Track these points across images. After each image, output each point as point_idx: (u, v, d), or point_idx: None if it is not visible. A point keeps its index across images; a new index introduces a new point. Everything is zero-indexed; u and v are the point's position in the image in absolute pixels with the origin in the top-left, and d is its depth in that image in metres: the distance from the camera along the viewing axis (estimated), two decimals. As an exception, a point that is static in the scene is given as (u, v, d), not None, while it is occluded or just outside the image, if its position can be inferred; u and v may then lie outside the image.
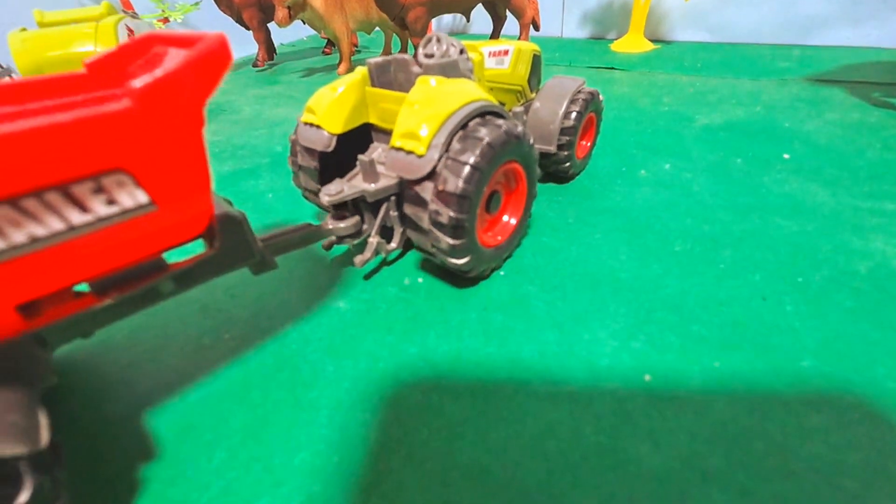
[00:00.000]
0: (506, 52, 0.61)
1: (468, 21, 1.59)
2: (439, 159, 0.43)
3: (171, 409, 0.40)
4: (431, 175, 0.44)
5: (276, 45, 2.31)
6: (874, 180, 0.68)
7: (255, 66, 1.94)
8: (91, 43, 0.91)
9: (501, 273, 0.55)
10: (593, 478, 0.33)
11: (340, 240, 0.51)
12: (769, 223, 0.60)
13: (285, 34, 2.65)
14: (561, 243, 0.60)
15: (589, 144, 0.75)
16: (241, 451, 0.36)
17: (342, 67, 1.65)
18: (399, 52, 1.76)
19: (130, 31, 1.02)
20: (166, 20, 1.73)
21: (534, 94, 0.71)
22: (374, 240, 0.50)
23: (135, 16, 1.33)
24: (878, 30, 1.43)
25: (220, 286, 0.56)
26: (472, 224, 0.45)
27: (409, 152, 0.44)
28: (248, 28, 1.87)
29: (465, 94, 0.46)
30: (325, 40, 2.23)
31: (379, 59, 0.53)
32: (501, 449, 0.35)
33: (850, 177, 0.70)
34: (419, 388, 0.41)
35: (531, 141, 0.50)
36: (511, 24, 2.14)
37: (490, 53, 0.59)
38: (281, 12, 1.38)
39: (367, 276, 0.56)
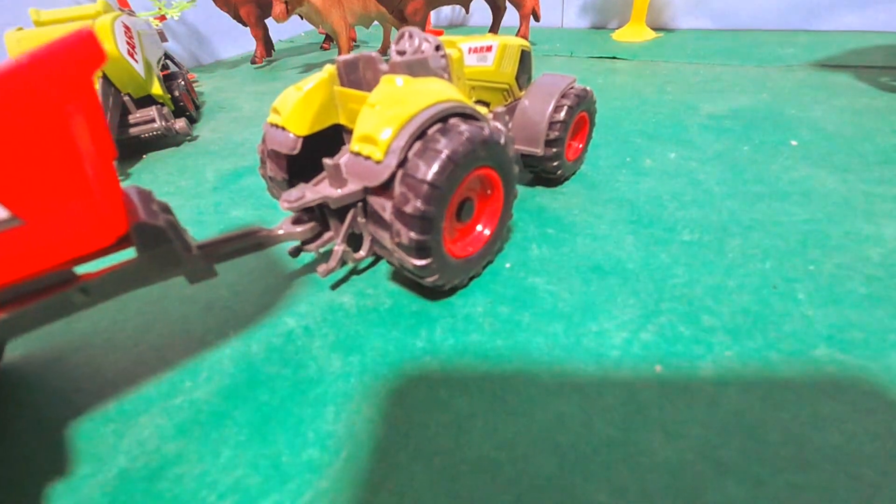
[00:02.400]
0: (489, 49, 0.57)
1: (467, 13, 1.57)
2: (398, 166, 0.40)
3: (177, 407, 0.40)
4: (390, 183, 0.41)
5: (273, 42, 2.29)
6: (884, 165, 0.67)
7: (253, 62, 1.93)
8: (88, 41, 0.90)
9: (507, 265, 0.54)
10: (605, 471, 0.32)
11: (304, 245, 0.49)
12: (778, 211, 0.59)
13: (283, 30, 2.63)
14: (567, 234, 0.59)
15: (581, 146, 0.71)
16: (249, 449, 0.36)
17: (341, 62, 1.64)
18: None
19: (128, 28, 1.01)
20: (163, 18, 1.72)
21: (523, 93, 0.67)
22: (339, 248, 0.47)
23: (132, 13, 1.32)
24: (884, 13, 1.40)
25: (223, 284, 0.56)
26: (437, 242, 0.43)
27: (367, 157, 0.41)
28: (245, 24, 1.86)
29: (431, 94, 0.42)
30: (324, 35, 2.22)
31: (348, 56, 0.51)
32: (511, 443, 0.35)
33: (859, 162, 0.69)
34: (426, 383, 0.40)
35: (504, 141, 0.46)
36: (511, 16, 2.12)
37: (471, 50, 0.55)
38: (278, 7, 1.37)
39: (366, 272, 0.55)
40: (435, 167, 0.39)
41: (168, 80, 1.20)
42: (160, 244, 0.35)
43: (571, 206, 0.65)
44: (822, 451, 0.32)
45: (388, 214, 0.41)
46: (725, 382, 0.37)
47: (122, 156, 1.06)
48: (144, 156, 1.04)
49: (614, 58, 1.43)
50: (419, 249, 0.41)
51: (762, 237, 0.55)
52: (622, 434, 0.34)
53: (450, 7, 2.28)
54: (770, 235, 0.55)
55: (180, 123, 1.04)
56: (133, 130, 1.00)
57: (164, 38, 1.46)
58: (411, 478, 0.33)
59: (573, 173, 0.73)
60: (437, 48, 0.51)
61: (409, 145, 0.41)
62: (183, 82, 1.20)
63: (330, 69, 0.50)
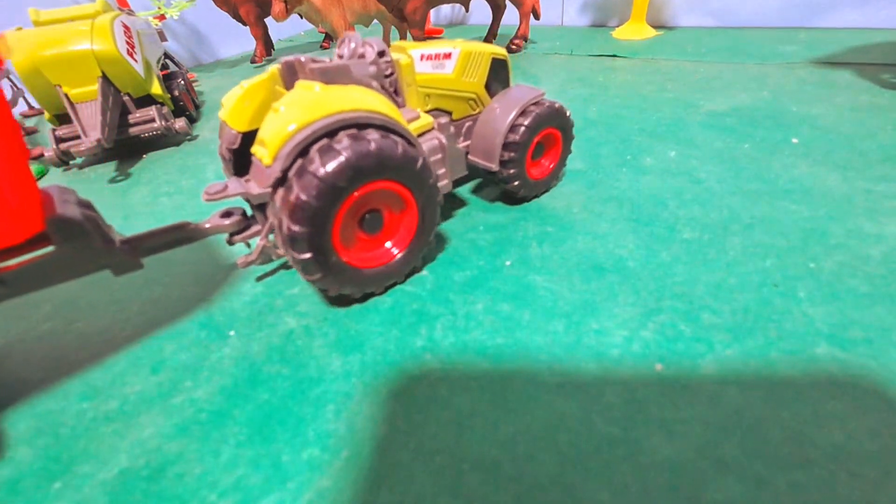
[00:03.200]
0: (447, 56, 0.55)
1: (467, 11, 1.57)
2: (284, 173, 0.40)
3: (177, 407, 0.40)
4: (281, 184, 0.41)
5: (273, 41, 2.29)
6: (886, 163, 0.67)
7: (253, 62, 1.93)
8: (87, 41, 0.90)
9: (507, 263, 0.54)
10: (606, 469, 0.32)
11: (231, 237, 0.49)
12: (779, 209, 0.59)
13: (283, 29, 2.63)
14: (567, 233, 0.59)
15: (552, 165, 0.66)
16: (249, 448, 0.36)
17: (341, 61, 1.64)
18: (398, 44, 1.74)
19: (127, 28, 1.01)
20: (163, 17, 1.72)
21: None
22: (262, 242, 0.48)
23: (131, 13, 1.32)
24: (886, 10, 1.40)
25: (222, 282, 0.56)
26: (323, 241, 0.42)
27: (260, 160, 0.41)
28: (244, 24, 1.86)
29: (337, 102, 0.41)
30: (323, 34, 2.21)
31: (290, 58, 0.49)
32: (512, 441, 0.34)
33: (861, 160, 0.69)
34: (426, 381, 0.40)
35: (420, 164, 0.45)
36: (511, 14, 2.12)
37: (424, 56, 0.53)
38: (278, 6, 1.37)
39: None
40: (330, 165, 0.39)
41: (168, 79, 1.20)
42: (77, 238, 0.36)
43: (572, 205, 0.65)
44: (823, 450, 0.32)
45: (276, 209, 0.41)
46: (726, 381, 0.37)
47: (121, 156, 1.06)
48: (144, 155, 1.04)
49: (614, 56, 1.43)
50: (294, 240, 0.41)
51: (763, 235, 0.54)
52: (623, 432, 0.34)
53: (449, 6, 2.27)
54: (771, 233, 0.55)
55: (180, 123, 1.04)
56: (133, 130, 1.00)
57: (163, 38, 1.46)
58: (412, 476, 0.33)
59: (543, 192, 0.67)
60: (382, 54, 0.50)
61: (296, 154, 0.40)
62: (182, 82, 1.20)
63: (273, 69, 0.50)
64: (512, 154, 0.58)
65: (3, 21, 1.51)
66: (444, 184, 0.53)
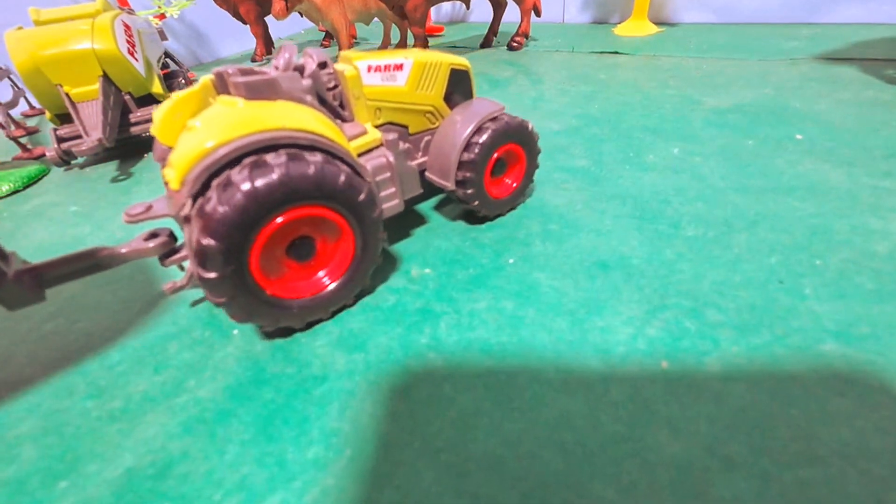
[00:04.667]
0: (399, 67, 0.51)
1: (468, 8, 1.56)
2: (193, 200, 0.37)
3: (182, 406, 0.40)
4: (186, 215, 0.37)
5: (273, 39, 2.29)
6: (890, 159, 0.67)
7: (253, 60, 1.92)
8: (88, 40, 0.90)
9: (511, 261, 0.54)
10: (612, 467, 0.32)
11: (163, 260, 0.45)
12: (784, 205, 0.59)
13: (283, 28, 2.62)
14: (570, 230, 0.58)
15: (515, 184, 0.62)
16: (254, 447, 0.36)
17: (341, 59, 1.63)
18: (398, 43, 1.73)
19: (127, 27, 1.01)
20: (163, 16, 1.72)
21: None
22: (192, 267, 0.41)
23: (131, 12, 1.31)
24: (889, 5, 1.39)
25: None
26: (233, 260, 0.38)
27: (167, 184, 0.39)
28: (244, 22, 1.85)
29: (252, 121, 0.37)
30: (324, 33, 2.21)
31: (223, 68, 0.45)
32: (517, 439, 0.34)
33: (865, 156, 0.68)
34: (431, 380, 0.40)
35: (342, 184, 0.41)
36: (512, 12, 2.11)
37: (372, 68, 0.50)
38: (278, 5, 1.36)
39: (375, 269, 0.55)
40: (260, 181, 0.36)
41: (168, 78, 1.20)
42: None
43: (574, 202, 0.65)
44: (830, 447, 0.32)
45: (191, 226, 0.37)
46: (732, 378, 0.37)
47: (123, 155, 1.06)
48: (146, 155, 1.04)
49: (616, 53, 1.42)
50: (207, 256, 0.37)
51: (768, 232, 0.54)
52: (629, 430, 0.34)
53: (450, 3, 2.27)
54: (776, 230, 0.54)
55: (181, 122, 1.04)
56: (134, 129, 1.00)
57: (163, 37, 1.46)
58: (417, 474, 0.33)
59: (507, 210, 0.63)
60: (323, 65, 0.47)
61: (206, 178, 0.37)
62: (183, 81, 1.20)
63: (206, 80, 0.46)
64: (468, 173, 0.54)
65: (3, 20, 1.51)
66: (393, 204, 0.50)
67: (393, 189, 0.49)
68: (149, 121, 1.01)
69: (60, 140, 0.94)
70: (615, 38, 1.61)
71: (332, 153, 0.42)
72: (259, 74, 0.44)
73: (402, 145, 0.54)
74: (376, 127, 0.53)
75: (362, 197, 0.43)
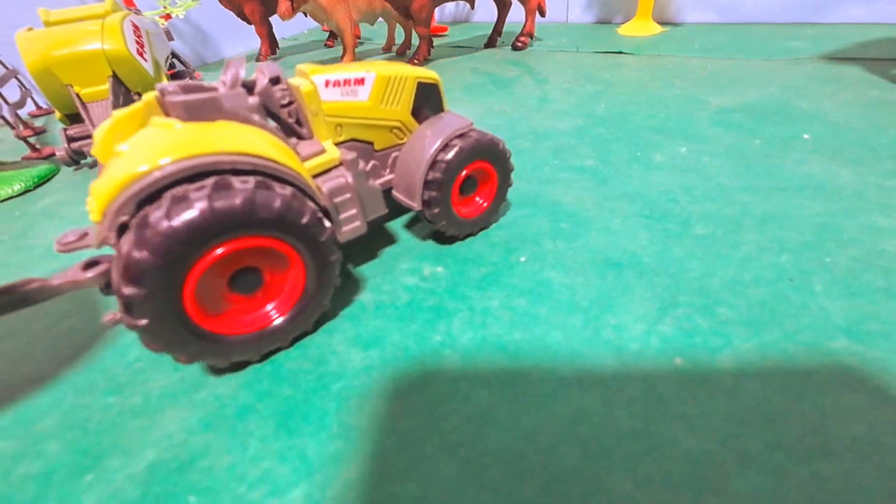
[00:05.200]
0: (360, 81, 0.49)
1: (472, 8, 1.57)
2: (116, 233, 0.35)
3: (202, 401, 0.41)
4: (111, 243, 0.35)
5: (278, 39, 2.29)
6: (897, 158, 0.67)
7: (258, 60, 1.93)
8: (98, 41, 0.91)
9: (522, 259, 0.54)
10: (628, 461, 0.32)
11: (105, 290, 0.40)
12: (792, 204, 0.59)
13: (287, 28, 2.63)
14: (580, 229, 0.59)
15: (486, 204, 0.59)
16: (276, 441, 0.36)
17: (346, 60, 1.64)
18: (402, 43, 1.74)
19: (136, 28, 1.01)
20: (168, 17, 1.72)
21: None
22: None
23: (138, 12, 1.32)
24: (892, 5, 1.39)
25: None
26: (162, 304, 0.35)
27: (90, 213, 0.36)
28: (249, 23, 1.86)
29: (184, 146, 0.35)
30: (328, 33, 2.22)
31: (167, 85, 0.42)
32: (534, 434, 0.35)
33: (872, 155, 0.69)
34: (447, 376, 0.41)
35: (310, 218, 0.39)
36: (516, 12, 2.11)
37: (330, 83, 0.47)
38: (284, 5, 1.37)
39: (380, 269, 0.56)
40: (178, 219, 0.33)
41: (175, 79, 1.20)
42: None
43: (584, 201, 0.65)
44: (844, 442, 0.32)
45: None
46: (745, 374, 0.38)
47: (131, 154, 1.06)
48: (154, 154, 1.05)
49: (620, 53, 1.43)
50: (132, 305, 0.34)
51: (777, 230, 0.55)
52: (644, 425, 0.35)
53: (454, 3, 2.27)
54: (784, 229, 0.55)
55: (189, 122, 1.05)
56: (143, 129, 1.00)
57: (170, 37, 1.46)
58: (437, 468, 0.33)
59: (479, 230, 0.60)
60: (276, 81, 0.45)
61: (133, 210, 0.34)
62: (190, 81, 1.21)
63: (150, 96, 0.42)
64: (433, 193, 0.52)
65: (14, 21, 1.52)
66: (353, 227, 0.48)
67: (354, 210, 0.47)
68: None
69: (70, 140, 0.94)
70: (619, 38, 1.61)
71: (275, 176, 0.39)
72: (205, 91, 0.41)
73: (364, 164, 0.52)
74: (338, 144, 0.50)
75: (305, 220, 0.39)
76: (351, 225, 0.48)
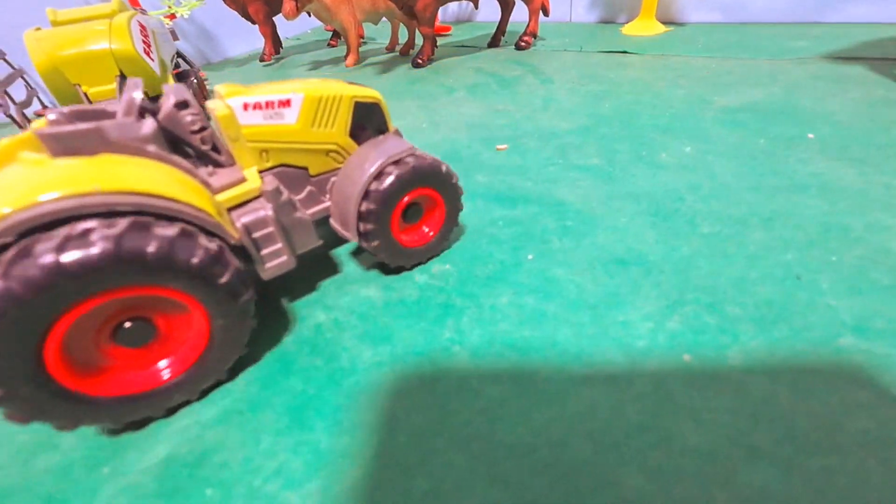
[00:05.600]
0: (285, 103, 0.45)
1: (476, 8, 1.57)
2: None
3: (214, 396, 0.41)
4: None
5: (281, 39, 2.29)
6: (903, 157, 0.67)
7: (261, 60, 1.94)
8: (105, 40, 0.91)
9: (529, 257, 0.55)
10: (639, 455, 0.33)
11: None
12: (798, 203, 0.59)
13: (289, 28, 2.63)
14: (586, 227, 0.59)
15: (432, 233, 0.54)
16: (288, 436, 0.37)
17: (350, 59, 1.64)
18: (406, 43, 1.74)
19: (143, 27, 1.02)
20: (173, 16, 1.73)
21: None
22: None
23: (143, 12, 1.33)
24: (897, 5, 1.39)
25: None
26: (15, 368, 0.31)
27: None
28: (253, 22, 1.86)
29: (46, 186, 0.31)
30: (331, 33, 2.22)
31: (57, 111, 0.38)
32: (545, 429, 0.35)
33: (878, 154, 0.69)
34: (457, 372, 0.41)
35: (201, 258, 0.35)
36: (519, 12, 2.11)
37: (250, 105, 0.43)
38: (288, 5, 1.37)
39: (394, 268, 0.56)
40: (18, 277, 0.29)
41: (180, 78, 1.21)
42: None
43: (590, 200, 0.66)
44: (852, 437, 0.33)
45: None
46: (753, 371, 0.38)
47: (138, 153, 1.07)
48: (161, 153, 1.06)
49: (625, 52, 1.43)
50: None
51: (783, 229, 0.55)
52: (653, 420, 0.35)
53: (457, 3, 2.27)
54: (790, 228, 0.55)
55: (196, 121, 1.05)
56: (150, 128, 1.01)
57: (175, 37, 1.47)
58: (449, 463, 0.34)
59: (426, 259, 0.56)
60: (183, 105, 0.41)
61: None
62: (195, 80, 1.21)
63: (30, 134, 0.37)
64: (369, 225, 0.48)
65: (19, 22, 1.53)
66: (278, 262, 0.44)
67: (278, 245, 0.44)
68: (164, 120, 1.02)
69: (78, 139, 0.95)
70: (623, 38, 1.61)
71: (161, 214, 0.35)
72: (92, 119, 0.37)
73: (297, 191, 0.49)
74: (267, 170, 0.47)
75: (196, 261, 0.34)
76: (275, 261, 0.44)
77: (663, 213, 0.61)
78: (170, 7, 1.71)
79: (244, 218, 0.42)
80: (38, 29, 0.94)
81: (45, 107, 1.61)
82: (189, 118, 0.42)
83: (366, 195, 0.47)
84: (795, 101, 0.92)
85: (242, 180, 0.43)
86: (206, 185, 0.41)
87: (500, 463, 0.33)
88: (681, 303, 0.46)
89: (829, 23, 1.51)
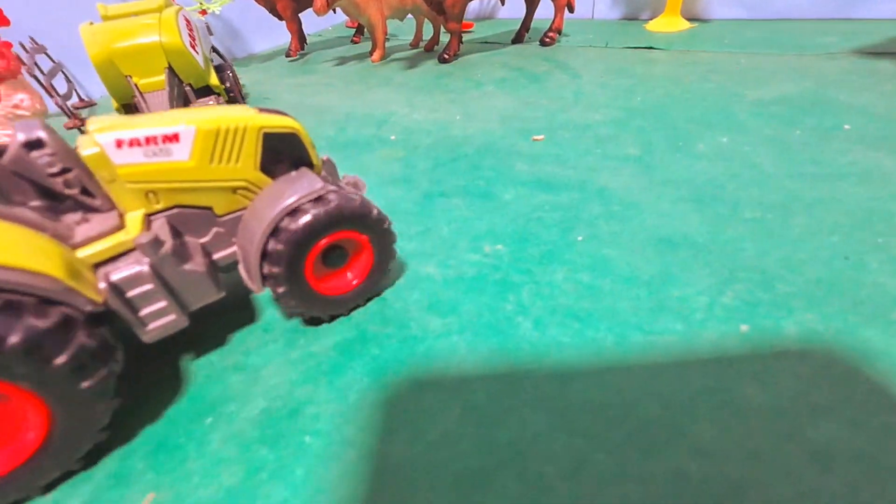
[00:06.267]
0: (172, 138, 0.38)
1: (503, 4, 1.59)
2: None
3: (297, 360, 0.44)
4: None
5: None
6: (941, 148, 0.69)
7: (287, 56, 1.98)
8: (156, 34, 0.95)
9: (579, 238, 0.57)
10: (707, 413, 0.35)
11: None
12: (839, 190, 0.61)
13: (311, 24, 2.67)
14: (632, 211, 0.62)
15: (357, 282, 0.48)
16: (372, 393, 0.40)
17: (376, 55, 1.67)
18: (430, 39, 1.77)
19: (188, 22, 1.06)
20: (204, 12, 1.77)
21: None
22: None
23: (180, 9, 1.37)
24: (926, 1, 1.39)
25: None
26: None
27: None
28: (281, 19, 1.90)
29: None
30: (353, 29, 2.25)
31: None
32: (614, 390, 0.38)
33: (915, 145, 0.70)
34: (524, 340, 0.44)
35: (23, 341, 0.29)
36: (544, 8, 2.13)
37: (124, 142, 0.37)
38: (320, 1, 1.40)
39: (444, 245, 0.59)
40: None
41: (217, 71, 1.25)
42: None
43: (631, 187, 0.68)
44: (910, 398, 0.35)
45: None
46: (810, 340, 0.40)
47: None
48: (203, 143, 1.09)
49: (650, 48, 1.44)
50: None
51: (826, 214, 0.57)
52: (718, 383, 0.37)
53: (478, 0, 2.30)
54: (833, 213, 0.57)
55: (236, 112, 1.09)
56: (194, 119, 1.05)
57: (210, 32, 1.51)
58: (527, 418, 0.36)
59: (354, 308, 0.49)
60: (35, 145, 0.36)
61: None
62: (231, 73, 1.25)
63: None
64: (275, 268, 0.41)
65: (73, 16, 1.58)
66: (164, 322, 0.39)
67: (161, 303, 0.38)
68: (208, 111, 1.06)
69: (128, 128, 0.99)
70: (647, 34, 1.63)
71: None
72: None
73: (200, 235, 0.43)
74: (158, 213, 0.41)
75: (15, 341, 0.29)
76: (159, 321, 0.38)
77: (705, 199, 0.63)
78: (201, 3, 1.76)
79: (114, 275, 0.35)
80: (91, 23, 0.98)
81: (81, 99, 1.66)
82: (45, 159, 0.36)
83: (274, 233, 0.41)
84: (829, 95, 0.93)
85: (117, 229, 0.37)
86: (62, 239, 0.35)
87: (577, 419, 0.36)
88: (732, 280, 0.48)
89: (856, 19, 1.52)
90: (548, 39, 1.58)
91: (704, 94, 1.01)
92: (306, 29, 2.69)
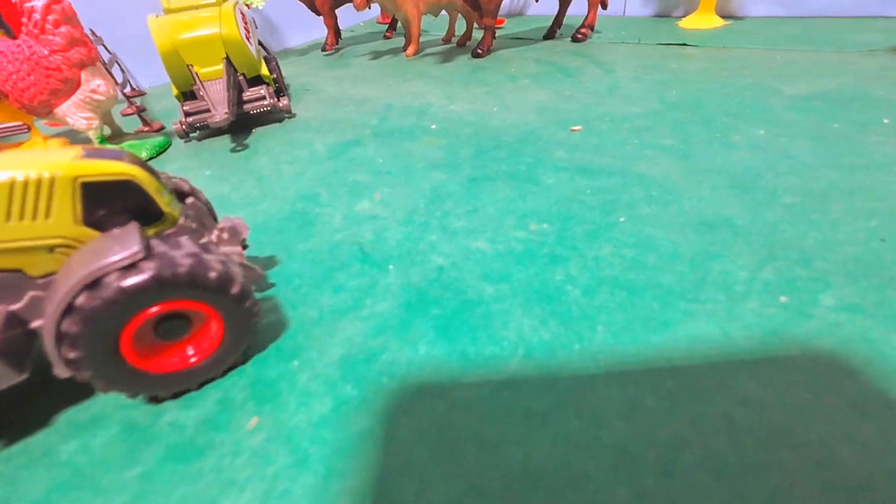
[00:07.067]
0: None
1: (536, 1, 1.62)
2: None
3: (366, 316, 0.49)
4: None
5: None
6: (983, 142, 0.69)
7: (323, 50, 2.04)
8: (216, 26, 1.02)
9: (622, 219, 0.61)
10: (753, 368, 0.39)
11: None
12: (878, 180, 0.63)
13: (343, 19, 2.74)
14: (671, 196, 0.65)
15: (196, 359, 0.41)
16: (439, 345, 0.44)
17: (411, 50, 1.72)
18: (463, 34, 1.81)
19: (243, 15, 1.12)
20: (248, 6, 1.85)
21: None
22: None
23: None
24: (974, -2, 1.36)
25: (366, 225, 0.65)
26: None
27: None
28: (318, 14, 1.97)
29: None
30: (386, 25, 2.31)
31: None
32: (661, 350, 0.41)
33: (957, 139, 0.71)
34: (576, 306, 0.47)
35: None
36: (577, 5, 2.14)
37: None
38: (360, -4, 1.46)
39: (491, 223, 0.63)
40: None
41: (265, 63, 1.31)
42: None
43: (670, 174, 0.71)
44: (944, 362, 0.37)
45: None
46: (850, 311, 0.43)
47: (231, 131, 1.18)
48: (254, 130, 1.16)
49: (684, 44, 1.45)
50: None
51: (864, 201, 0.59)
52: (760, 346, 0.41)
53: (508, -4, 2.32)
54: (872, 199, 0.59)
55: (284, 101, 1.15)
56: (246, 107, 1.12)
57: (255, 26, 1.58)
58: (578, 366, 0.40)
59: (203, 383, 0.42)
60: None
61: None
62: (276, 65, 1.31)
63: None
64: (73, 353, 0.35)
65: (123, 12, 1.68)
66: None
67: None
68: (258, 99, 1.12)
69: (187, 114, 1.06)
70: (680, 31, 1.63)
71: None
72: None
73: (11, 301, 0.36)
74: None
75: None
76: None
77: (743, 185, 0.65)
78: (245, -1, 1.83)
79: None
80: (157, 16, 1.05)
81: (133, 89, 1.76)
82: None
83: (68, 311, 0.34)
84: (868, 90, 0.94)
85: None
86: None
87: (628, 371, 0.40)
88: (772, 258, 0.51)
89: (894, 17, 1.49)
90: (580, 36, 1.61)
91: (740, 89, 1.03)
92: (342, 24, 2.76)
